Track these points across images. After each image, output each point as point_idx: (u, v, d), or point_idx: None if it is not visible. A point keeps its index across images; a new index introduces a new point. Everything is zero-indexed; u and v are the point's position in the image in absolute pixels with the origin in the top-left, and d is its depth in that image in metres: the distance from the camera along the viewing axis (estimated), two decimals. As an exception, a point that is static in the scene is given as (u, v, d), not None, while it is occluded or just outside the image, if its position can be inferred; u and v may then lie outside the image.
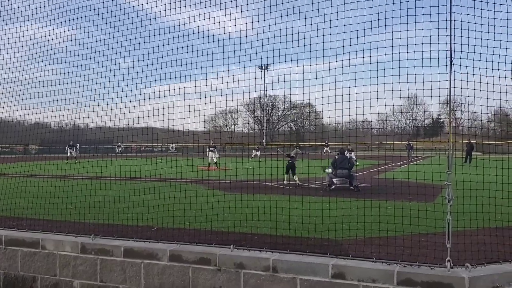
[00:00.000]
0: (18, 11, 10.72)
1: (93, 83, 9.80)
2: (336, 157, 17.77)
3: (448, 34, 5.76)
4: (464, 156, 32.80)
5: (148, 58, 9.25)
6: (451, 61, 5.67)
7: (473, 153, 32.25)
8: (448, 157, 5.80)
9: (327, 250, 6.74)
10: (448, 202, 5.94)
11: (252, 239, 7.67)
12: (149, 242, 7.34)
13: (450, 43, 5.69)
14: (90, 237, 7.62)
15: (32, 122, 11.99)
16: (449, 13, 5.89)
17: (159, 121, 8.95)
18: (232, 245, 6.84)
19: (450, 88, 5.62)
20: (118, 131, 10.55)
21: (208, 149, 30.18)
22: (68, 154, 39.70)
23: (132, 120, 9.32)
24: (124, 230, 8.44)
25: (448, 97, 5.67)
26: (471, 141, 34.05)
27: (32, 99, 10.33)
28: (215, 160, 29.12)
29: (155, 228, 8.68)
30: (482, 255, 6.21)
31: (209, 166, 28.41)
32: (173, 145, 61.59)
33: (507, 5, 6.28)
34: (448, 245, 5.82)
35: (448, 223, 5.88)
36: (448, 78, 5.62)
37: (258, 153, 42.75)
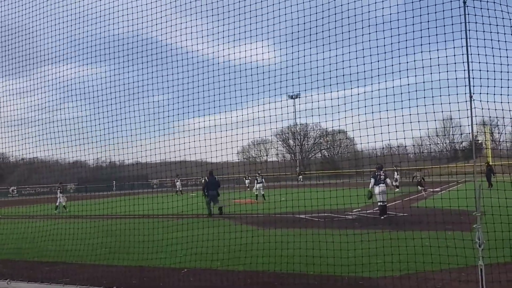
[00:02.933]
0: (53, 52, 11.06)
1: (127, 122, 9.95)
2: (377, 173, 17.04)
3: (467, 73, 5.56)
4: (481, 184, 30.89)
5: (184, 94, 9.37)
6: (470, 96, 5.46)
7: (492, 176, 30.86)
8: (475, 197, 5.47)
9: (362, 291, 6.46)
10: (479, 246, 5.56)
11: (286, 280, 7.44)
12: None
13: (469, 78, 5.48)
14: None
15: (71, 162, 12.25)
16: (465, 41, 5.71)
17: (191, 154, 9.00)
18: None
19: (472, 124, 5.40)
20: (152, 166, 10.62)
21: (256, 181, 29.40)
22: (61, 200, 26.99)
23: (167, 154, 9.39)
24: (154, 274, 8.35)
25: (471, 133, 5.43)
26: (490, 164, 32.53)
27: (69, 138, 10.54)
28: (262, 192, 28.39)
29: (185, 270, 8.56)
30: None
31: (256, 198, 28.11)
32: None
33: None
34: (483, 292, 5.44)
35: (481, 269, 5.50)
36: (469, 115, 5.39)
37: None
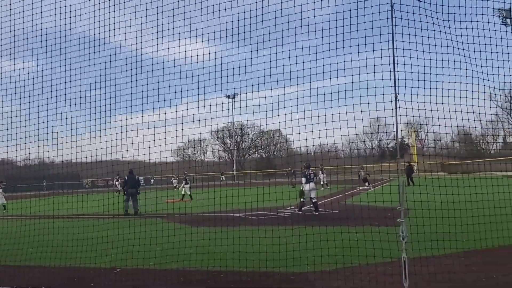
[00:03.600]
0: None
1: (58, 117, 9.57)
2: (307, 171, 17.84)
3: (392, 75, 5.84)
4: (406, 179, 33.04)
5: (116, 89, 9.13)
6: (396, 97, 5.73)
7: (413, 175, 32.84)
8: (399, 192, 5.76)
9: (294, 285, 6.59)
10: (403, 239, 5.85)
11: (218, 277, 7.46)
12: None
13: (395, 79, 5.75)
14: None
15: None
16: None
17: (124, 151, 8.80)
18: None
19: (396, 123, 5.67)
20: (83, 164, 10.28)
21: (184, 181, 29.33)
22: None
23: (99, 152, 9.11)
24: (86, 274, 8.10)
25: (395, 132, 5.70)
26: (411, 163, 35.00)
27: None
28: (189, 192, 28.22)
29: (118, 270, 8.36)
30: (447, 283, 6.19)
31: (183, 197, 27.84)
32: (142, 178, 60.79)
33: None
34: (406, 284, 5.74)
35: (404, 261, 5.78)
36: (394, 114, 5.67)
37: (183, 185, 29.75)
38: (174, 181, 48.26)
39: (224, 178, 60.20)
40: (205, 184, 42.21)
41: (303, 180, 17.63)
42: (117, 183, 41.57)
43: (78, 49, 9.49)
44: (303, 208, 17.39)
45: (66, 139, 9.43)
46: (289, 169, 43.26)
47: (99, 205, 10.54)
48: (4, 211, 24.18)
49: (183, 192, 28.58)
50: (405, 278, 5.70)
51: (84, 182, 60.88)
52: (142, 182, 28.37)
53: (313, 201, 17.29)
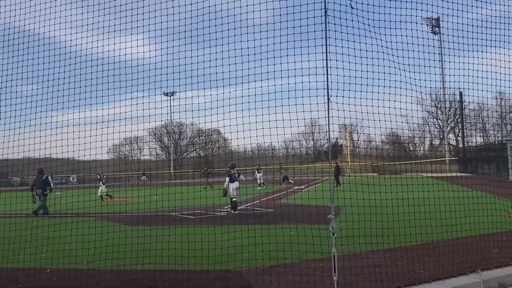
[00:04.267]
0: None
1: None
2: (232, 171, 18.21)
3: (325, 77, 6.11)
4: (334, 180, 34.22)
5: (49, 85, 8.82)
6: (328, 99, 6.01)
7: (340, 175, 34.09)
8: (330, 190, 6.05)
9: (230, 283, 6.72)
10: (333, 235, 6.12)
11: (154, 276, 7.46)
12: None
13: (327, 81, 6.04)
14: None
15: None
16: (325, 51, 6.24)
17: (56, 147, 8.53)
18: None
19: (328, 124, 5.94)
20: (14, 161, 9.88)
21: (101, 182, 28.48)
22: None
23: (29, 149, 8.79)
24: (13, 274, 7.83)
25: (328, 133, 5.98)
26: (338, 164, 36.35)
27: None
28: (104, 192, 27.48)
29: (48, 270, 8.14)
30: (373, 278, 6.54)
31: (110, 198, 26.92)
32: (75, 176, 58.93)
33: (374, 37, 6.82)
34: (335, 278, 6.02)
35: (334, 256, 6.05)
36: (327, 115, 5.94)
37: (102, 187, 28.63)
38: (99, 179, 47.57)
39: (145, 179, 56.84)
40: (140, 183, 41.59)
41: (227, 179, 18.02)
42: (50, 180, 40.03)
43: (11, 43, 9.11)
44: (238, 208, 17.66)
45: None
46: (205, 169, 43.42)
47: (29, 202, 10.17)
48: None
49: (99, 193, 27.52)
50: (334, 272, 5.98)
51: (12, 180, 58.08)
52: (52, 182, 27.35)
53: (233, 200, 17.67)
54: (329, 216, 6.10)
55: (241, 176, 18.77)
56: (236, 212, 17.24)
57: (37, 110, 8.94)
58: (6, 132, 8.95)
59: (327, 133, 6.04)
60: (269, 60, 7.10)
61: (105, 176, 28.77)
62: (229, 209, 17.76)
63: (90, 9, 8.49)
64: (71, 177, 60.63)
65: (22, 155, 9.07)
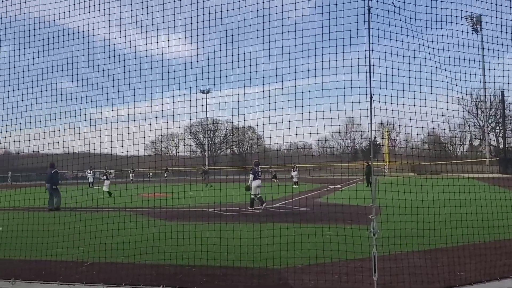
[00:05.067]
0: None
1: (26, 108, 9.34)
2: (256, 169, 18.53)
3: (368, 75, 5.97)
4: (365, 180, 33.55)
5: (89, 82, 8.98)
6: (371, 97, 5.86)
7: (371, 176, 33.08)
8: (372, 190, 5.90)
9: (267, 281, 6.68)
10: (374, 235, 5.99)
11: (190, 271, 7.49)
12: (74, 285, 6.86)
13: (370, 80, 5.89)
14: (9, 281, 7.04)
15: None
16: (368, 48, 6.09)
17: (94, 143, 8.67)
18: (162, 286, 6.49)
19: (371, 123, 5.80)
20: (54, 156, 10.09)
21: (105, 177, 28.44)
22: None
23: (69, 144, 8.95)
24: (53, 267, 8.01)
25: (370, 132, 5.84)
26: (369, 164, 35.44)
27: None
28: (106, 189, 26.71)
29: (87, 264, 8.29)
30: (413, 279, 6.37)
31: (103, 195, 25.98)
32: (113, 171, 60.10)
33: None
34: (375, 278, 5.89)
35: (374, 256, 5.92)
36: (369, 114, 5.80)
37: (106, 182, 28.24)
38: (131, 175, 49.00)
39: (166, 175, 54.72)
40: (178, 179, 42.14)
41: (251, 176, 18.32)
42: (89, 175, 41.15)
43: (53, 41, 9.28)
44: (265, 205, 17.82)
45: (34, 131, 9.25)
46: (205, 167, 43.28)
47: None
48: None
49: (106, 189, 27.00)
50: (375, 272, 5.86)
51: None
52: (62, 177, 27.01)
53: (258, 196, 17.95)
54: (370, 216, 5.97)
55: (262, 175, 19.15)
56: (253, 208, 17.51)
57: (77, 107, 9.12)
58: (47, 128, 9.16)
59: (369, 132, 5.90)
60: (310, 59, 7.00)
61: (110, 172, 29.13)
62: (262, 207, 17.77)
63: (133, 7, 8.58)
64: (110, 172, 61.81)
65: (62, 150, 9.24)
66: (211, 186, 34.23)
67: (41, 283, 6.93)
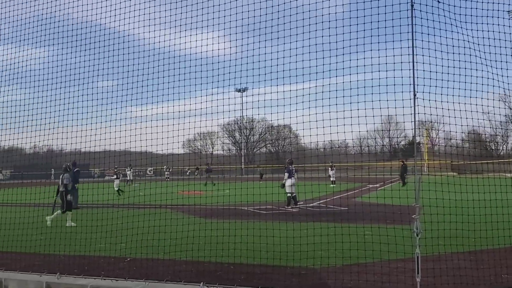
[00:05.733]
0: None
1: (69, 106, 9.59)
2: (291, 167, 18.61)
3: (411, 72, 5.82)
4: (401, 179, 32.94)
5: (128, 81, 9.12)
6: (414, 94, 5.72)
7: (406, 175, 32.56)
8: (415, 190, 5.75)
9: (305, 280, 6.63)
10: (417, 235, 5.84)
11: (228, 269, 7.52)
12: (117, 280, 6.98)
13: (414, 77, 5.74)
14: (55, 275, 7.24)
15: (6, 148, 11.63)
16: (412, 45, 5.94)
17: (132, 142, 8.80)
18: (202, 283, 6.54)
19: (414, 121, 5.65)
20: (94, 154, 10.31)
21: (115, 176, 28.58)
22: None
23: (109, 142, 9.13)
24: (96, 262, 8.20)
25: (413, 130, 5.70)
26: (404, 162, 34.67)
27: (4, 124, 10.07)
28: (116, 188, 26.67)
29: (128, 259, 8.45)
30: (457, 280, 6.20)
31: (119, 193, 25.72)
32: (151, 168, 61.20)
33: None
34: (418, 279, 5.75)
35: (417, 257, 5.78)
36: (412, 112, 5.66)
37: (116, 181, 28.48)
38: (166, 173, 49.84)
39: (197, 173, 53.80)
40: (215, 177, 42.58)
41: (286, 175, 18.42)
42: (128, 172, 42.04)
43: (94, 40, 9.49)
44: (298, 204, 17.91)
45: (76, 128, 9.48)
46: (207, 165, 42.86)
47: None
48: None
49: (116, 188, 27.03)
50: (418, 273, 5.73)
51: (93, 172, 61.30)
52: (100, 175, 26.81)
53: (293, 195, 18.03)
54: (413, 216, 5.83)
55: (296, 174, 19.06)
56: (289, 207, 17.52)
57: (118, 105, 9.28)
58: (88, 126, 9.37)
59: (412, 130, 5.76)
60: (351, 55, 6.88)
61: (130, 168, 29.62)
62: (297, 206, 17.74)
63: (172, 6, 8.66)
64: (148, 170, 63.03)
65: (102, 148, 9.43)
66: (214, 184, 34.85)
67: (85, 277, 7.10)
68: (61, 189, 13.64)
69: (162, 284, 6.71)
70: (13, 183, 31.86)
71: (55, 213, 13.47)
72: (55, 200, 13.48)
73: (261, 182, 32.10)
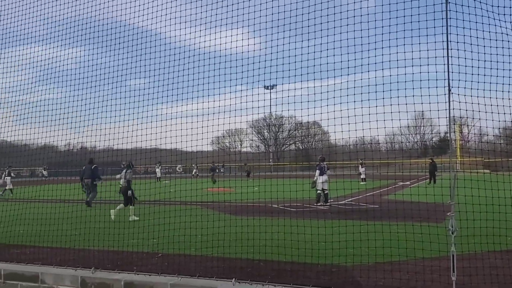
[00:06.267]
0: (27, 32, 10.69)
1: (100, 105, 9.75)
2: (322, 164, 18.58)
3: (446, 67, 5.67)
4: (428, 177, 32.44)
5: (159, 79, 9.21)
6: (449, 90, 5.58)
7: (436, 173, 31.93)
8: (450, 187, 5.61)
9: (336, 277, 6.58)
10: (452, 233, 5.70)
11: (258, 266, 7.53)
12: (150, 275, 7.06)
13: (448, 72, 5.60)
14: (90, 270, 7.38)
15: (40, 146, 11.87)
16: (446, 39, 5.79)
17: (162, 138, 8.88)
18: (234, 279, 6.55)
19: (449, 117, 5.52)
20: (125, 151, 10.46)
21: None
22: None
23: (139, 140, 9.24)
24: (128, 257, 8.33)
25: (449, 126, 5.56)
26: (434, 160, 34.00)
27: (39, 120, 10.29)
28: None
29: (160, 255, 8.56)
30: (494, 280, 6.05)
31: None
32: (180, 166, 61.74)
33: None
34: (454, 278, 5.62)
35: (453, 255, 5.65)
36: (447, 107, 5.52)
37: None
38: (194, 170, 50.36)
39: (196, 168, 53.79)
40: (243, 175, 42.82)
41: (317, 172, 18.37)
42: (157, 170, 42.67)
43: (123, 37, 9.61)
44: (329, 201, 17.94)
45: (109, 125, 9.61)
46: (212, 163, 42.57)
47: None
48: (10, 195, 25.08)
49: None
50: (453, 272, 5.60)
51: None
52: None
53: (325, 192, 17.98)
54: (448, 214, 5.71)
55: (329, 171, 19.09)
56: (319, 204, 17.54)
57: (148, 102, 9.38)
58: (119, 123, 9.49)
59: (447, 126, 5.63)
60: (383, 50, 6.65)
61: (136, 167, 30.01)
62: (328, 204, 17.66)
63: (198, 4, 8.68)
64: (177, 167, 63.58)
65: (132, 145, 9.55)
66: (214, 182, 35.10)
67: (119, 272, 7.22)
68: (124, 184, 14.87)
69: (194, 279, 6.77)
70: (50, 180, 32.69)
71: (118, 208, 14.23)
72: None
73: (248, 180, 32.28)
